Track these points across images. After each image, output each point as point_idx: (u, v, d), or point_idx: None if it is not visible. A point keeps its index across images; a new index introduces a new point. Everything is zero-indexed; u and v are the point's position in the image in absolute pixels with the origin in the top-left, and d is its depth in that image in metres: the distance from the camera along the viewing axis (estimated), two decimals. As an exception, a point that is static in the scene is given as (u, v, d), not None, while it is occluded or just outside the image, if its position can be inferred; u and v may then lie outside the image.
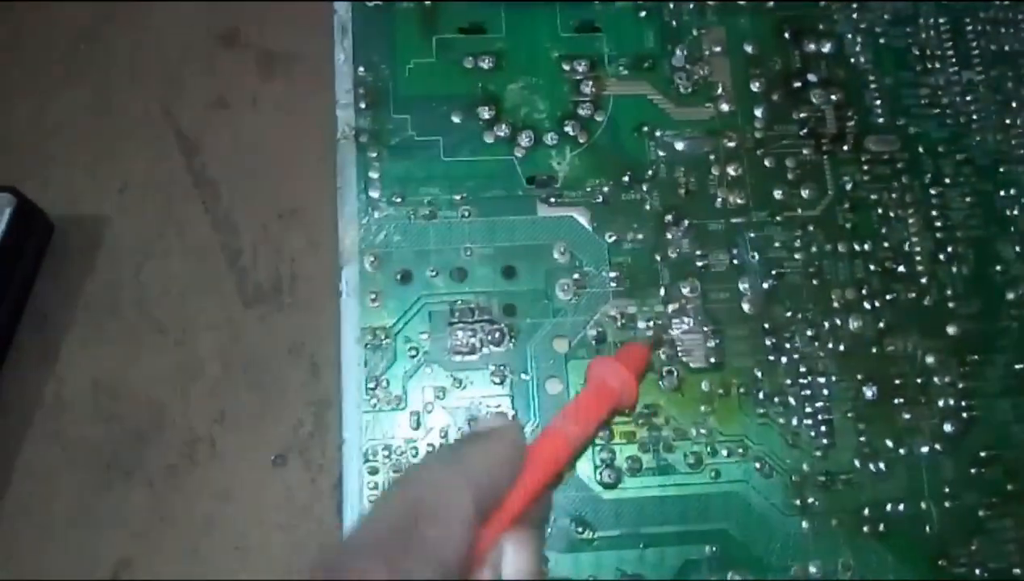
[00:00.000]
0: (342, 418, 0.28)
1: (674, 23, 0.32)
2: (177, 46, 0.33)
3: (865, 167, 0.31)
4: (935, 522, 0.28)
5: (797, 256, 0.30)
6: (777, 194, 0.31)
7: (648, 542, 0.28)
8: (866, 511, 0.28)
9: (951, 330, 0.30)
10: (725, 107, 0.32)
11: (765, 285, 0.30)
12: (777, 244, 0.30)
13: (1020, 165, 0.32)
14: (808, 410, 0.29)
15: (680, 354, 0.29)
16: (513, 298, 0.29)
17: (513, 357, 0.29)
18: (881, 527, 0.28)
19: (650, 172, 0.31)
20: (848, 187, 0.31)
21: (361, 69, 0.31)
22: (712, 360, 0.29)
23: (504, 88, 0.31)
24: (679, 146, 0.31)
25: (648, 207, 0.30)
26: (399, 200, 0.30)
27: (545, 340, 0.29)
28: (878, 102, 0.32)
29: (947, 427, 0.29)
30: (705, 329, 0.29)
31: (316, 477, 0.29)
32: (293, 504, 0.29)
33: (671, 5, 0.32)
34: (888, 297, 0.30)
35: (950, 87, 0.33)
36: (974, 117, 0.32)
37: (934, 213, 0.31)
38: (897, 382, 0.29)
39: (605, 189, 0.30)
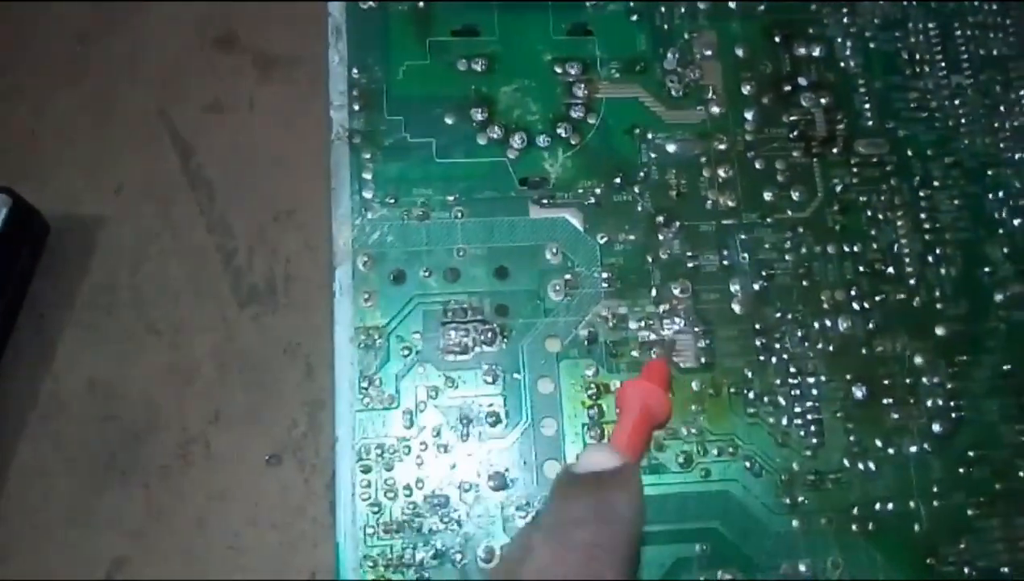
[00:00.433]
0: (335, 417, 0.28)
1: (666, 27, 0.33)
2: (173, 48, 0.33)
3: (854, 170, 0.32)
4: (924, 521, 0.28)
5: (787, 258, 0.31)
6: (767, 196, 0.31)
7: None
8: (855, 510, 0.28)
9: (940, 331, 0.30)
10: (716, 110, 0.32)
11: (755, 286, 0.30)
12: (767, 246, 0.31)
13: (1008, 168, 0.32)
14: (798, 410, 0.29)
15: (671, 354, 0.29)
16: (505, 298, 0.29)
17: (505, 357, 0.29)
18: (870, 526, 0.28)
19: (642, 174, 0.31)
20: (838, 189, 0.31)
21: (355, 71, 0.31)
22: (703, 360, 0.29)
23: (497, 90, 0.31)
24: (671, 148, 0.31)
25: (640, 209, 0.31)
26: (392, 201, 0.30)
27: (537, 340, 0.29)
28: (867, 105, 0.32)
29: (935, 427, 0.29)
30: (696, 329, 0.30)
31: (310, 477, 0.29)
32: (287, 504, 0.29)
33: (663, 9, 0.33)
34: (877, 298, 0.30)
35: (939, 91, 0.33)
36: (963, 120, 0.33)
37: (923, 215, 0.31)
38: (886, 382, 0.30)
39: (597, 191, 0.31)
